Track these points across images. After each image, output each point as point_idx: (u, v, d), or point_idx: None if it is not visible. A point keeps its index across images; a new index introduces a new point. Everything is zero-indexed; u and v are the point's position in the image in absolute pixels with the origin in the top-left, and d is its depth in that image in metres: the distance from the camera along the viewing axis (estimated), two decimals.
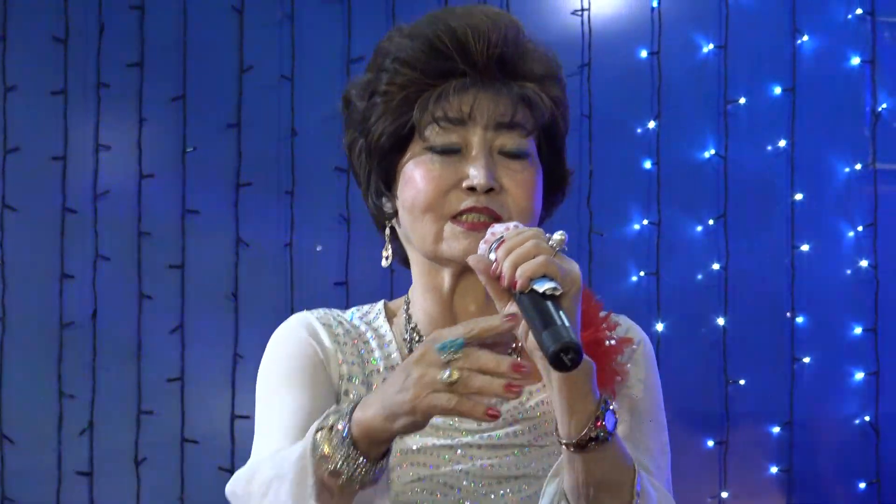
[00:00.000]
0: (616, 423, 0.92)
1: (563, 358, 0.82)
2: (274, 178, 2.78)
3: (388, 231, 1.07)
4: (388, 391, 0.86)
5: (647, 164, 2.85)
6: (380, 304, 1.12)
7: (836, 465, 2.88)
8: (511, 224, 0.94)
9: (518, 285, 0.86)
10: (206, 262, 2.72)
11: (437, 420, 0.99)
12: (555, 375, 0.88)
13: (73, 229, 2.70)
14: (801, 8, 2.83)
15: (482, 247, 0.92)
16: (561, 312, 0.85)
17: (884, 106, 2.79)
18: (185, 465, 2.64)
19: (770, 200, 2.84)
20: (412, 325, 1.06)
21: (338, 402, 1.05)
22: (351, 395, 1.06)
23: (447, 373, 0.81)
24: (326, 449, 0.88)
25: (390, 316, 1.10)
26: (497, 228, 0.93)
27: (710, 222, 2.84)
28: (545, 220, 1.05)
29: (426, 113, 0.99)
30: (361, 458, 0.88)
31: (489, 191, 0.98)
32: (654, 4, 2.78)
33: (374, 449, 0.88)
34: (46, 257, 2.73)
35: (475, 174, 0.98)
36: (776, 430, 2.79)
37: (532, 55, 1.02)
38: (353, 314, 1.11)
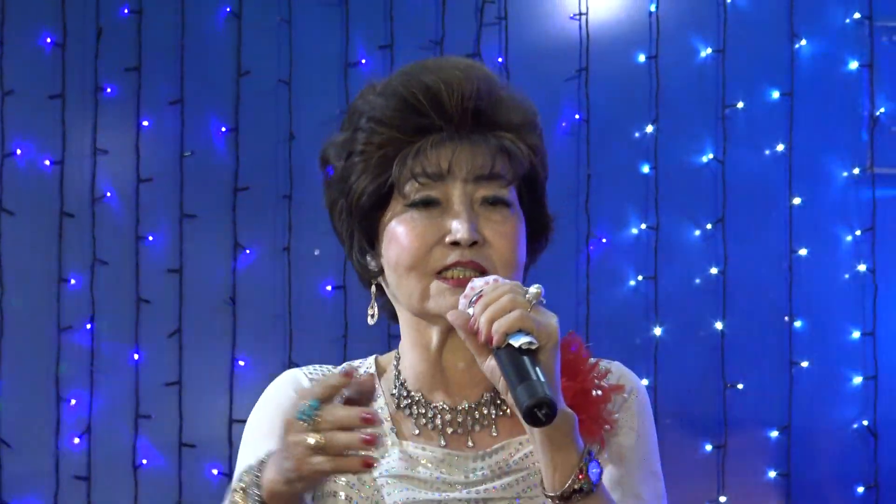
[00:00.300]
0: (601, 473, 0.93)
1: (537, 413, 0.83)
2: (272, 182, 2.79)
3: (373, 288, 1.08)
4: (277, 459, 0.88)
5: (646, 169, 2.86)
6: (371, 359, 1.13)
7: (834, 469, 2.88)
8: (491, 278, 0.94)
9: (494, 340, 0.88)
10: (203, 267, 2.73)
11: (424, 474, 1.02)
12: (536, 429, 0.89)
13: (70, 234, 2.71)
14: (799, 12, 2.84)
15: (462, 301, 0.94)
16: (537, 367, 0.86)
17: (882, 110, 2.80)
18: (183, 469, 2.65)
19: (768, 205, 2.85)
20: (401, 380, 1.07)
21: None
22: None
23: (312, 438, 0.82)
24: None
25: (380, 371, 1.11)
26: (477, 283, 0.94)
27: (709, 226, 2.84)
28: (529, 267, 1.05)
29: (405, 170, 1.00)
30: None
31: (473, 244, 0.99)
32: (653, 9, 2.79)
33: None
34: (44, 261, 2.74)
35: (458, 228, 0.98)
36: (774, 434, 2.80)
37: (507, 104, 1.02)
38: (357, 367, 1.12)
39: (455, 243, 0.98)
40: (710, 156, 2.84)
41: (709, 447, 2.80)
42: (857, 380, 2.77)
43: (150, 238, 2.70)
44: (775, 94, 2.83)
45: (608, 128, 2.85)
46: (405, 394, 1.07)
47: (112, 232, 2.69)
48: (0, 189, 2.66)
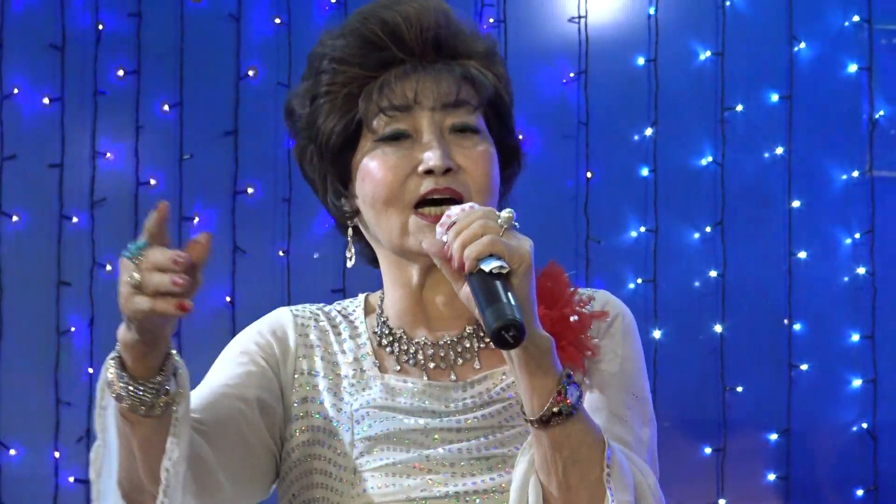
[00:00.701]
0: (580, 396, 0.92)
1: (505, 335, 0.83)
2: (271, 185, 2.81)
3: (350, 231, 1.08)
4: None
5: (645, 172, 2.85)
6: (361, 297, 1.15)
7: (833, 472, 2.88)
8: (467, 205, 0.94)
9: (466, 266, 0.87)
10: (203, 270, 2.68)
11: (405, 404, 1.02)
12: (514, 353, 0.88)
13: (70, 237, 2.72)
14: (798, 15, 2.84)
15: (438, 230, 0.93)
16: (509, 292, 0.86)
17: (881, 113, 2.81)
18: None
19: (767, 207, 2.85)
20: (383, 318, 1.08)
21: (290, 396, 1.08)
22: (317, 385, 1.08)
23: (131, 277, 0.80)
24: (110, 374, 0.87)
25: (369, 310, 1.12)
26: (453, 210, 0.93)
27: (708, 229, 2.84)
28: (505, 194, 1.05)
29: (371, 105, 1.00)
30: (128, 378, 0.86)
31: (447, 172, 0.99)
32: (651, 12, 2.79)
33: (139, 367, 0.86)
34: (43, 265, 2.75)
35: (430, 156, 0.98)
36: (774, 437, 2.80)
37: (467, 34, 1.04)
38: (335, 308, 1.14)
39: (429, 172, 0.97)
40: (710, 159, 2.85)
41: (708, 450, 2.81)
42: (857, 382, 2.78)
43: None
44: (774, 97, 2.84)
45: (607, 130, 2.86)
46: (387, 332, 1.07)
47: (111, 235, 2.71)
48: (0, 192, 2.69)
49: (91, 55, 2.70)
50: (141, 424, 0.88)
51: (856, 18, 2.82)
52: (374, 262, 1.10)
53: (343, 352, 1.10)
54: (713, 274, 2.81)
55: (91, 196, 2.72)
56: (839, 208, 2.89)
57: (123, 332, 0.85)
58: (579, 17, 2.79)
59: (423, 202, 0.99)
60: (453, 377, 1.05)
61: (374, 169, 1.01)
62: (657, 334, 2.78)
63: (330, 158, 1.03)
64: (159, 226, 0.82)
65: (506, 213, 0.91)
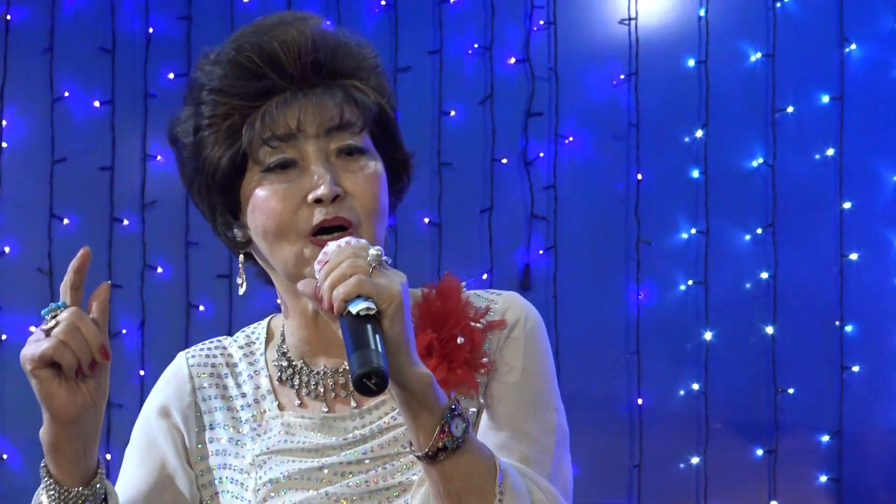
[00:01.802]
0: (467, 429, 0.90)
1: (367, 383, 0.81)
2: None
3: (241, 257, 1.05)
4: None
5: (695, 173, 2.84)
6: (264, 323, 1.13)
7: (886, 473, 2.85)
8: (343, 241, 0.91)
9: (335, 308, 0.85)
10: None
11: (303, 443, 1.02)
12: (394, 392, 0.87)
13: (120, 240, 2.73)
14: (849, 17, 2.82)
15: (316, 268, 0.90)
16: (377, 334, 0.84)
17: None
18: None
19: (818, 209, 2.83)
20: (283, 350, 1.06)
21: (196, 449, 1.07)
22: (212, 436, 1.07)
23: (49, 323, 0.86)
24: (43, 497, 0.90)
25: (269, 337, 1.10)
26: (330, 248, 0.90)
27: (759, 231, 2.82)
28: (396, 205, 1.04)
29: (255, 135, 0.96)
30: (53, 483, 0.89)
31: (335, 199, 0.96)
32: (702, 13, 2.77)
33: (61, 469, 0.89)
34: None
35: (318, 185, 0.96)
36: (825, 438, 2.78)
37: (344, 51, 1.00)
38: (238, 339, 1.12)
39: (318, 201, 0.95)
40: (760, 160, 2.83)
41: (760, 452, 2.80)
42: None
43: (200, 243, 2.73)
44: (825, 99, 2.81)
45: (658, 132, 2.85)
46: (286, 364, 1.05)
47: (162, 237, 2.74)
48: (51, 195, 2.71)
49: (141, 58, 2.71)
50: None
51: None
52: (272, 283, 1.07)
53: (243, 394, 1.08)
54: (764, 276, 2.80)
55: (142, 199, 2.72)
56: (890, 209, 2.87)
57: (43, 430, 0.88)
58: (629, 19, 2.78)
59: (318, 232, 0.97)
60: (353, 404, 1.03)
61: (263, 200, 0.98)
62: (708, 336, 2.76)
63: (218, 190, 1.00)
64: (73, 280, 0.88)
65: (373, 250, 0.88)
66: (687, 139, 2.78)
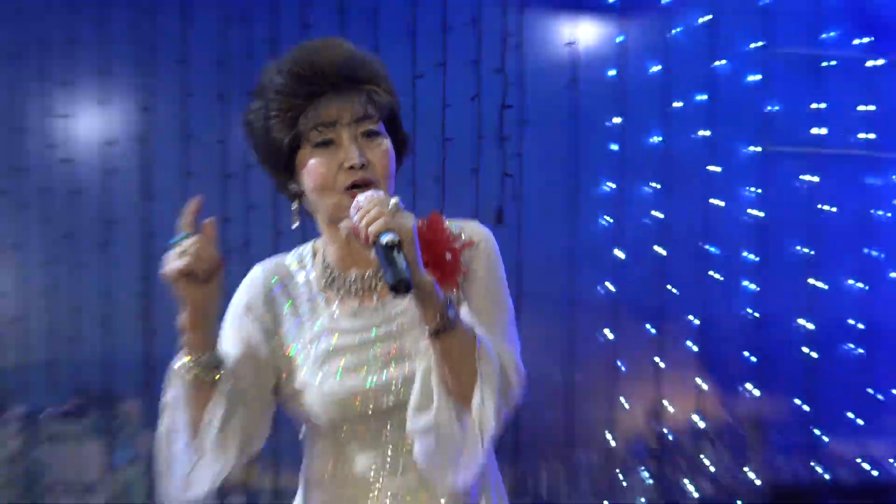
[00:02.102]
0: (457, 314, 1.27)
1: (398, 288, 1.15)
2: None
3: (295, 204, 1.41)
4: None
5: (614, 146, 3.87)
6: (309, 246, 1.49)
7: None
8: (370, 193, 1.26)
9: (369, 240, 1.20)
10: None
11: (344, 325, 1.39)
12: (410, 293, 1.21)
13: None
14: (719, 39, 3.90)
15: (352, 212, 1.25)
16: (400, 255, 1.17)
17: None
18: None
19: (690, 172, 3.89)
20: (325, 263, 1.44)
21: (273, 331, 1.42)
22: (282, 322, 1.43)
23: (179, 248, 1.23)
24: (178, 357, 1.30)
25: (315, 252, 1.47)
26: (360, 198, 1.24)
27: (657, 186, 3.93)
28: (399, 168, 1.40)
29: (308, 123, 1.32)
30: (188, 351, 1.29)
31: (362, 166, 1.32)
32: (618, 40, 3.84)
33: (191, 341, 1.29)
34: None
35: (350, 157, 1.31)
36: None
37: (366, 66, 1.37)
38: (294, 257, 1.49)
39: (351, 167, 1.31)
40: (658, 138, 3.89)
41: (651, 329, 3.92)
42: None
43: None
44: (703, 97, 3.91)
45: (591, 119, 3.87)
46: (328, 273, 1.42)
47: None
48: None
49: None
50: (198, 391, 1.29)
51: None
52: (313, 219, 1.43)
53: (300, 294, 1.44)
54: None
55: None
56: (744, 172, 3.94)
57: (181, 319, 1.26)
58: (570, 42, 3.83)
59: (350, 187, 1.32)
60: (375, 300, 1.40)
61: (312, 166, 1.34)
62: None
63: (284, 160, 1.36)
64: (189, 219, 1.25)
65: (393, 200, 1.25)
66: (608, 123, 3.88)
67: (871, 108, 4.02)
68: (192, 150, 3.69)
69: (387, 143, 1.40)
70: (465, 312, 1.36)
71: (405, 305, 1.39)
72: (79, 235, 3.74)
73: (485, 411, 1.35)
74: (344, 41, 1.45)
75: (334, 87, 1.36)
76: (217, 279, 1.30)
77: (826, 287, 4.05)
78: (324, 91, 1.36)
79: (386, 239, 1.21)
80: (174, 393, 1.35)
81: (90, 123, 3.79)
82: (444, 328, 1.29)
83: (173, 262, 1.26)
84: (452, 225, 1.44)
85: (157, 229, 3.65)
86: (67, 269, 3.75)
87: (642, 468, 4.01)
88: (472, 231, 1.45)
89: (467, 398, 1.35)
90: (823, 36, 4.04)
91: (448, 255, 1.43)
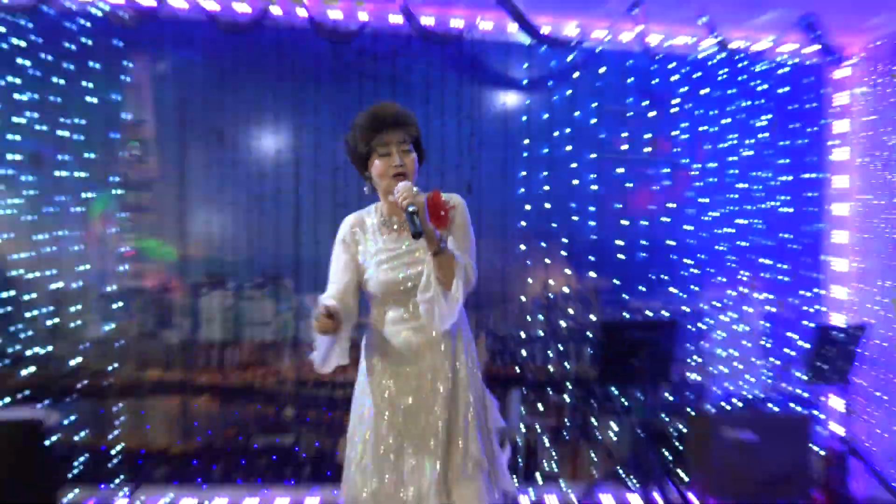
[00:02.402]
0: (446, 244, 2.76)
1: (416, 236, 2.68)
2: None
3: (368, 185, 2.94)
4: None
5: (525, 140, 6.89)
6: (373, 206, 2.96)
7: None
8: (404, 182, 2.80)
9: (402, 207, 2.74)
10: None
11: (391, 246, 3.03)
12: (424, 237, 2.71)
13: None
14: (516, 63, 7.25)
15: (395, 192, 2.79)
16: (416, 218, 2.66)
17: None
18: None
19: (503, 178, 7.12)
20: (381, 213, 3.01)
21: (355, 251, 3.07)
22: (362, 247, 3.03)
23: (314, 321, 2.79)
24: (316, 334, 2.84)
25: (376, 209, 2.98)
26: (399, 185, 2.77)
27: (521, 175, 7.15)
28: (420, 167, 2.88)
29: (375, 143, 2.88)
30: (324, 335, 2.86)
31: (401, 167, 2.87)
32: (525, 83, 7.15)
33: (325, 332, 2.84)
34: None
35: (395, 162, 2.88)
36: None
37: (406, 117, 2.90)
38: (364, 211, 3.09)
39: (395, 166, 2.95)
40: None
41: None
42: None
43: None
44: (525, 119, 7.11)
45: (531, 126, 7.12)
46: (382, 220, 3.04)
47: None
48: None
49: None
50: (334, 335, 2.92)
51: None
52: (375, 192, 2.97)
53: (368, 230, 3.03)
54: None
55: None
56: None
57: (316, 331, 2.87)
58: (524, 82, 7.12)
59: (394, 176, 2.90)
60: (405, 234, 2.99)
61: (377, 166, 2.92)
62: None
63: (363, 161, 2.94)
64: (327, 317, 2.78)
65: (415, 188, 2.80)
66: (524, 143, 7.17)
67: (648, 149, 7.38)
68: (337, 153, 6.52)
69: (413, 155, 2.98)
70: (450, 242, 2.75)
71: (418, 244, 2.92)
72: (264, 194, 6.74)
73: (457, 292, 2.81)
74: (395, 103, 3.04)
75: (389, 126, 2.94)
76: (335, 325, 2.79)
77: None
78: (384, 128, 2.93)
79: (410, 208, 2.64)
80: (319, 339, 2.94)
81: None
82: (438, 251, 2.72)
83: (314, 323, 2.71)
84: (444, 196, 2.85)
85: (303, 190, 6.80)
86: (257, 212, 6.75)
87: (538, 314, 7.23)
88: (454, 199, 2.90)
89: (449, 285, 2.81)
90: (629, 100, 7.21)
91: (442, 213, 2.87)
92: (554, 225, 7.24)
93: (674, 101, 7.54)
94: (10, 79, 6.64)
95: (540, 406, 7.32)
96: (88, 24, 6.66)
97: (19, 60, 6.65)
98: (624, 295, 7.41)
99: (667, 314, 7.55)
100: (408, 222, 2.87)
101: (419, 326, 3.14)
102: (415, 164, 3.13)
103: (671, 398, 7.58)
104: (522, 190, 7.24)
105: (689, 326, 7.57)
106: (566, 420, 7.41)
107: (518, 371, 7.32)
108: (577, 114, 7.29)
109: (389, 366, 3.15)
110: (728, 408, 7.50)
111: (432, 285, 2.95)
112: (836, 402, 7.44)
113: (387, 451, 3.13)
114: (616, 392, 7.44)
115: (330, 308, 2.82)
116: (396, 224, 3.21)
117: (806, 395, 7.60)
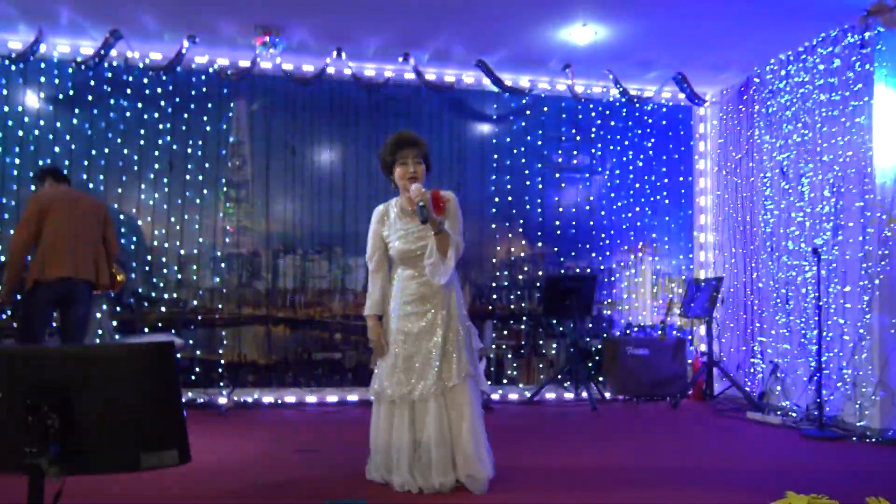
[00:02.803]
0: (444, 226, 4.09)
1: (423, 221, 4.00)
2: None
3: (393, 185, 4.36)
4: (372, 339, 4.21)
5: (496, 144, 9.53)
6: (395, 199, 4.34)
7: None
8: (415, 185, 4.15)
9: (416, 202, 4.07)
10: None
11: (408, 226, 4.30)
12: (429, 222, 4.00)
13: None
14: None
15: (411, 191, 4.14)
16: (425, 209, 4.00)
17: None
18: None
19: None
20: (399, 202, 4.38)
21: (382, 229, 4.44)
22: (385, 226, 4.43)
23: (373, 345, 4.34)
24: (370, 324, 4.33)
25: (396, 202, 4.33)
26: (413, 186, 4.09)
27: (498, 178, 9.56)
28: (427, 174, 4.20)
29: (398, 156, 4.30)
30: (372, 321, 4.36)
31: (415, 173, 4.23)
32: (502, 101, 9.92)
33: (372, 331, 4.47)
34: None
35: (412, 171, 4.27)
36: None
37: (418, 139, 4.28)
38: (390, 202, 4.44)
39: (411, 173, 4.34)
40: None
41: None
42: None
43: None
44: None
45: (500, 144, 9.65)
46: (400, 209, 4.45)
47: None
48: None
49: None
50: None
51: None
52: (396, 189, 4.42)
53: (391, 216, 4.45)
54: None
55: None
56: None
57: (371, 333, 4.40)
58: (497, 117, 9.65)
59: (409, 180, 4.25)
60: (417, 220, 4.27)
61: (398, 172, 4.36)
62: None
63: (389, 167, 4.39)
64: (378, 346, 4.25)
65: (423, 189, 4.13)
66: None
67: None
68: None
69: (423, 166, 4.29)
70: (447, 225, 3.96)
71: (426, 228, 4.10)
72: (321, 190, 9.67)
73: (450, 259, 4.05)
74: (411, 131, 4.35)
75: (407, 145, 4.27)
76: (383, 343, 4.08)
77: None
78: (404, 146, 4.28)
79: (420, 203, 3.89)
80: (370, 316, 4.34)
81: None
82: (439, 231, 4.00)
83: (376, 350, 4.04)
84: (442, 193, 4.01)
85: (347, 188, 9.92)
86: (317, 203, 9.52)
87: (504, 271, 10.04)
88: (449, 195, 4.08)
89: (445, 254, 4.08)
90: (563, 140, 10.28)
91: (441, 205, 4.05)
92: (514, 211, 9.39)
93: (592, 130, 9.92)
94: (155, 114, 9.38)
95: (505, 332, 9.49)
96: (204, 78, 9.35)
97: (161, 102, 9.41)
98: (561, 258, 9.57)
99: (589, 270, 9.84)
100: (418, 212, 3.97)
101: (425, 281, 4.32)
102: (423, 172, 4.29)
103: (592, 326, 9.93)
104: (493, 188, 9.26)
105: (604, 279, 9.96)
106: (522, 342, 9.75)
107: (490, 308, 9.25)
108: (528, 138, 9.46)
109: (406, 306, 4.31)
110: (629, 333, 10.00)
111: (434, 254, 4.13)
112: (702, 330, 10.03)
113: (404, 359, 4.31)
114: (556, 322, 9.78)
115: (379, 328, 4.17)
116: (410, 212, 4.29)
117: (681, 324, 10.27)
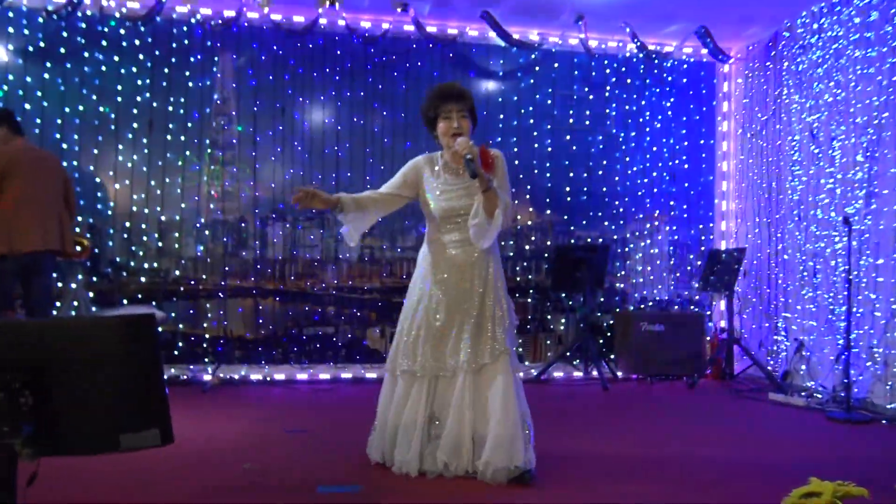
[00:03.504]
0: (492, 183, 4.11)
1: (472, 175, 4.01)
2: None
3: (436, 139, 4.39)
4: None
5: (497, 138, 9.51)
6: (439, 152, 4.42)
7: None
8: (462, 138, 4.17)
9: (463, 155, 4.08)
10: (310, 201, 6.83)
11: (451, 181, 4.40)
12: (476, 178, 4.02)
13: None
14: None
15: (455, 144, 4.14)
16: (473, 163, 4.01)
17: None
18: None
19: None
20: (444, 158, 4.42)
21: (416, 180, 4.55)
22: (423, 180, 4.47)
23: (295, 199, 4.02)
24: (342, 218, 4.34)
25: (441, 156, 4.39)
26: (459, 139, 4.14)
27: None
28: (473, 130, 4.35)
29: (441, 109, 4.31)
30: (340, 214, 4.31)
31: (459, 128, 4.23)
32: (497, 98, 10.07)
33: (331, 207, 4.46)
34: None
35: (454, 124, 4.27)
36: None
37: (463, 92, 4.31)
38: (433, 154, 4.52)
39: (455, 128, 4.32)
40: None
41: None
42: None
43: None
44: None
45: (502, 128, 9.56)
46: (444, 164, 4.46)
47: None
48: None
49: None
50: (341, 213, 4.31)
51: None
52: (439, 142, 4.42)
53: (435, 169, 4.45)
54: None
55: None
56: None
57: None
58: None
59: (453, 136, 4.28)
60: (462, 175, 4.35)
61: (441, 126, 4.37)
62: None
63: (432, 122, 4.43)
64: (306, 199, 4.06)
65: (470, 141, 4.17)
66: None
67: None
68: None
69: (469, 120, 4.26)
70: (494, 183, 3.94)
71: (475, 183, 4.02)
72: (312, 151, 9.90)
73: (497, 220, 3.95)
74: (457, 82, 4.33)
75: (452, 98, 4.20)
76: (318, 202, 4.04)
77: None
78: (448, 99, 4.23)
79: (468, 156, 3.92)
80: (341, 216, 4.21)
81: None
82: (486, 189, 4.01)
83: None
84: (490, 149, 3.96)
85: (340, 148, 10.01)
86: (308, 164, 9.92)
87: (510, 241, 10.38)
88: (496, 152, 4.13)
89: (492, 214, 3.99)
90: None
91: (490, 160, 4.07)
92: (521, 176, 9.38)
93: (607, 88, 9.95)
94: (133, 69, 9.58)
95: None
96: (185, 29, 9.48)
97: (139, 56, 9.58)
98: (571, 227, 9.59)
99: (601, 240, 9.89)
100: (466, 167, 4.00)
101: (465, 247, 4.40)
102: (469, 126, 4.33)
103: (603, 300, 10.05)
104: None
105: (617, 249, 10.00)
106: (529, 316, 9.90)
107: None
108: (537, 97, 9.38)
109: (444, 268, 4.36)
110: (643, 308, 10.08)
111: (480, 213, 4.13)
112: (722, 304, 10.18)
113: (435, 330, 4.34)
114: (564, 296, 9.86)
115: (306, 189, 3.97)
116: (454, 168, 4.34)
117: (697, 298, 10.46)
